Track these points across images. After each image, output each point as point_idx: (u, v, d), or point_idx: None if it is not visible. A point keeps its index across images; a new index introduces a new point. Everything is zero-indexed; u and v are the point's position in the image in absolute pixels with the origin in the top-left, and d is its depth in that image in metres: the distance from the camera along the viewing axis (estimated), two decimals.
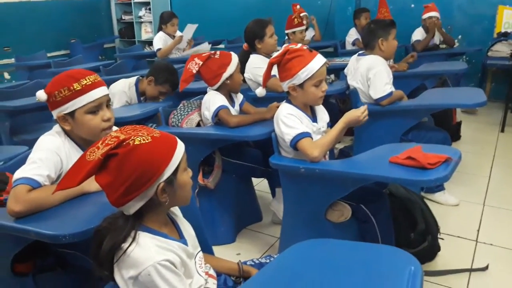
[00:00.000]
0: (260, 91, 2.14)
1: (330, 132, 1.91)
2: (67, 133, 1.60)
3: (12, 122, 3.21)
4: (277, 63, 1.93)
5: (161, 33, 5.02)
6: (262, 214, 2.82)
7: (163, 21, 5.03)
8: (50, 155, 1.51)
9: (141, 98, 2.97)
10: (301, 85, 1.88)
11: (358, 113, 1.90)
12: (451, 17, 5.41)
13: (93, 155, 1.05)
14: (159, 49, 4.90)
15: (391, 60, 3.78)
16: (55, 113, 1.57)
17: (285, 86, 1.93)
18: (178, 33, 5.15)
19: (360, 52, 2.96)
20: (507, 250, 2.36)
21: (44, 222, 1.38)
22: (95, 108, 1.55)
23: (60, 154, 1.54)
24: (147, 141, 1.07)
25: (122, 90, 2.92)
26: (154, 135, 1.10)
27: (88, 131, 1.57)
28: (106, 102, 1.59)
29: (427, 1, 4.94)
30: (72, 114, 1.54)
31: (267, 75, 2.04)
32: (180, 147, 1.14)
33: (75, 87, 1.51)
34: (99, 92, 1.56)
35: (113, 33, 7.98)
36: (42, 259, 1.68)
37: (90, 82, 1.54)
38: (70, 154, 1.57)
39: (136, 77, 3.00)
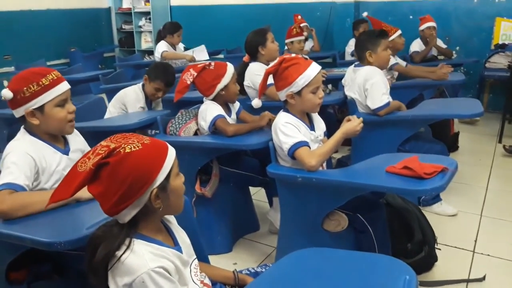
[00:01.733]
0: (256, 103, 2.15)
1: (328, 142, 1.92)
2: (31, 132, 1.66)
3: (11, 129, 3.21)
4: (273, 73, 1.94)
5: (164, 42, 5.01)
6: (259, 224, 2.81)
7: (168, 31, 5.02)
8: (22, 157, 1.55)
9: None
10: (299, 93, 1.89)
11: (354, 124, 1.92)
12: (449, 28, 5.45)
13: (84, 166, 1.04)
14: (164, 51, 4.90)
15: (405, 63, 3.78)
16: (21, 110, 1.61)
17: (282, 94, 1.94)
18: (181, 46, 5.16)
19: (356, 63, 2.98)
20: (504, 260, 2.35)
21: (39, 229, 1.38)
22: (63, 102, 1.64)
23: (31, 154, 1.58)
24: (137, 149, 1.07)
25: (135, 98, 2.96)
26: (145, 142, 1.10)
27: (56, 123, 1.65)
28: (69, 95, 1.68)
29: (425, 12, 4.99)
30: (41, 108, 1.60)
31: (264, 85, 2.05)
32: (171, 152, 1.14)
33: (44, 82, 1.59)
34: (65, 86, 1.65)
35: (113, 42, 8.02)
36: (38, 266, 1.67)
37: (56, 77, 1.62)
38: (40, 151, 1.61)
39: (141, 83, 3.05)
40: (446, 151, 2.86)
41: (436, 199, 2.86)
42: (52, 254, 1.61)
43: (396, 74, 3.69)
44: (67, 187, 1.07)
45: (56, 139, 1.71)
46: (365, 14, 3.83)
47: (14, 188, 1.48)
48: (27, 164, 1.55)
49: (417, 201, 2.84)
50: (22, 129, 1.68)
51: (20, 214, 1.45)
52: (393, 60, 3.57)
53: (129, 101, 2.95)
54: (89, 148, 1.79)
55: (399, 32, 3.64)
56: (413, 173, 1.64)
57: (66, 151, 1.71)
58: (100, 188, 1.06)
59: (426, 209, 2.84)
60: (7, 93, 1.58)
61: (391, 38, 3.53)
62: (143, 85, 3.02)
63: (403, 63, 3.81)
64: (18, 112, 1.63)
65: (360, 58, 2.86)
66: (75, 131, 1.84)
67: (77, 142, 1.80)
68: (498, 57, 4.90)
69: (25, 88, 1.57)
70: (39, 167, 1.59)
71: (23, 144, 1.61)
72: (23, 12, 6.43)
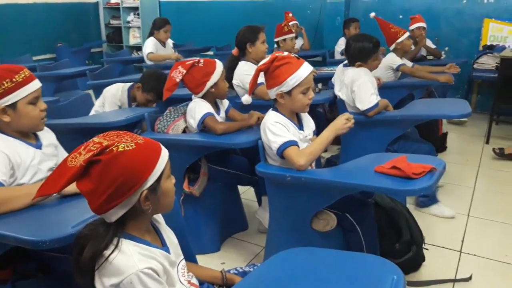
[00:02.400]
0: (246, 99, 2.14)
1: (317, 141, 1.91)
2: (1, 131, 1.62)
3: None
4: (265, 71, 1.93)
5: (152, 39, 4.97)
6: (248, 223, 2.80)
7: (156, 27, 4.98)
8: None
9: (132, 104, 2.95)
10: (289, 92, 1.88)
11: (342, 121, 1.92)
12: (438, 29, 5.48)
13: (75, 161, 1.02)
14: (150, 53, 4.86)
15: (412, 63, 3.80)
16: None
17: (272, 93, 1.93)
18: (170, 42, 5.11)
19: (345, 62, 2.98)
20: (491, 260, 2.37)
21: (23, 228, 1.35)
22: (35, 99, 1.63)
23: (3, 150, 1.55)
24: (131, 148, 1.05)
25: (113, 94, 2.90)
26: (138, 141, 1.08)
27: (29, 121, 1.64)
28: (40, 93, 1.67)
29: (415, 12, 5.01)
30: (13, 105, 1.58)
31: (254, 82, 2.03)
32: (164, 154, 1.13)
33: (17, 78, 1.57)
34: (37, 83, 1.64)
35: (100, 37, 7.94)
36: (23, 265, 1.64)
37: (28, 74, 1.61)
38: (13, 147, 1.59)
39: (131, 83, 2.99)
40: (434, 151, 2.88)
41: (433, 200, 2.87)
42: (37, 252, 1.58)
43: (399, 74, 3.70)
44: (55, 181, 1.05)
45: (27, 135, 1.69)
46: (372, 14, 3.79)
47: None
48: (1, 160, 1.52)
49: (415, 202, 2.86)
50: None
51: (2, 209, 1.42)
52: (399, 61, 3.59)
53: (108, 97, 2.90)
54: (58, 144, 1.79)
55: (408, 34, 3.65)
56: (402, 173, 1.64)
57: (38, 146, 1.69)
58: (89, 185, 1.04)
59: (423, 210, 2.87)
60: None
61: (399, 40, 3.55)
62: (130, 87, 2.94)
63: (410, 64, 3.83)
64: None
65: (349, 62, 2.87)
66: (45, 127, 1.81)
67: (47, 138, 1.77)
68: (486, 58, 4.94)
69: None
70: (14, 162, 1.56)
71: None
72: (9, 6, 6.32)
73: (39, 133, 1.74)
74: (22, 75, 1.59)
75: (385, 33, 3.64)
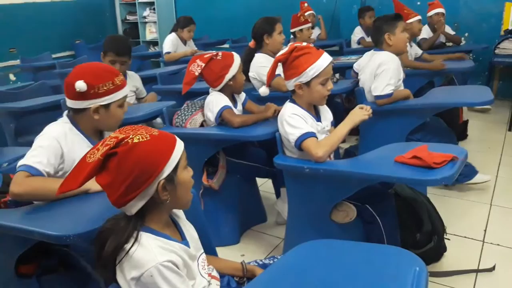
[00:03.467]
0: (263, 90, 2.13)
1: (335, 132, 1.90)
2: (74, 121, 1.68)
3: (17, 123, 3.21)
4: (283, 61, 1.91)
5: (173, 36, 4.95)
6: (266, 215, 2.81)
7: (180, 25, 4.95)
8: (50, 142, 1.58)
9: None
10: (307, 83, 1.87)
11: (359, 111, 1.92)
12: (458, 15, 5.37)
13: (93, 157, 1.05)
14: (167, 53, 4.85)
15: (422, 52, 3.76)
16: (86, 103, 1.62)
17: (291, 84, 1.91)
18: (192, 43, 5.09)
19: (376, 48, 2.92)
20: None
21: (48, 223, 1.38)
22: (123, 102, 1.71)
23: (60, 142, 1.60)
24: (145, 139, 1.07)
25: None
26: (153, 133, 1.10)
27: (114, 122, 1.71)
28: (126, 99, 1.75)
29: None
30: (107, 106, 1.66)
31: (272, 73, 2.02)
32: (179, 145, 1.14)
33: (117, 82, 1.65)
34: (127, 88, 1.76)
35: (117, 33, 7.98)
36: (46, 260, 1.68)
37: (123, 79, 1.70)
38: (73, 142, 1.64)
39: None
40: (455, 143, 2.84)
41: (473, 172, 2.92)
42: (58, 249, 1.61)
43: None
44: (75, 177, 1.07)
45: (94, 134, 1.73)
46: None
47: (31, 171, 1.51)
48: (53, 150, 1.57)
49: (425, 188, 2.82)
50: (64, 116, 1.70)
51: (32, 198, 1.50)
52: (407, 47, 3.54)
53: None
54: None
55: (419, 17, 3.60)
56: (423, 162, 1.62)
57: None
58: (107, 178, 1.06)
59: (467, 182, 2.92)
60: (82, 85, 1.58)
61: (409, 21, 3.50)
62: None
63: (419, 51, 3.77)
64: (80, 104, 1.64)
65: (377, 42, 2.80)
66: None
67: None
68: (508, 43, 4.81)
69: (101, 85, 1.61)
70: (66, 156, 1.60)
71: (57, 130, 1.63)
72: (28, 5, 6.41)
73: (105, 133, 1.78)
74: (120, 78, 1.67)
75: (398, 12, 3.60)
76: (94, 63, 1.71)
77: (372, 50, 2.95)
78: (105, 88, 1.62)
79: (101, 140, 1.68)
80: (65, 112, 1.72)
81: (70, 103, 1.65)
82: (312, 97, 1.91)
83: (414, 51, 3.91)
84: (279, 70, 2.04)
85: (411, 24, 3.55)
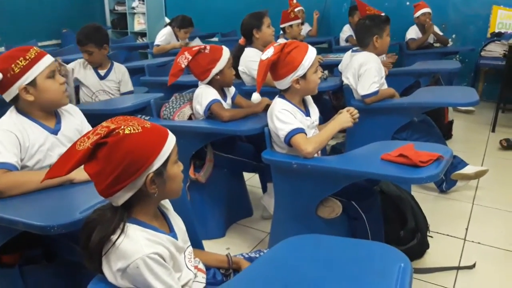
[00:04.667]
0: (256, 97, 2.05)
1: (325, 131, 1.93)
2: (22, 111, 1.65)
3: (2, 112, 3.16)
4: (275, 61, 1.87)
5: (169, 30, 4.89)
6: (252, 209, 2.82)
7: (178, 24, 4.85)
8: (4, 135, 1.56)
9: (99, 71, 2.94)
10: (303, 76, 1.88)
11: (347, 115, 1.96)
12: (446, 16, 5.42)
13: (83, 145, 1.03)
14: (156, 45, 4.81)
15: (384, 56, 3.78)
16: (14, 89, 1.59)
17: (287, 81, 1.90)
18: (184, 42, 5.04)
19: (354, 48, 2.96)
20: (495, 248, 2.38)
21: (32, 213, 1.37)
22: (52, 73, 1.64)
23: (13, 131, 1.58)
24: (137, 131, 1.06)
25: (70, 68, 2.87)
26: (145, 126, 1.09)
27: (52, 95, 1.65)
28: (56, 68, 1.69)
29: None
30: (33, 82, 1.60)
31: (264, 77, 1.92)
32: (171, 139, 1.13)
33: (29, 56, 1.59)
34: (50, 58, 1.65)
35: (105, 23, 7.88)
36: (29, 250, 1.66)
37: (39, 51, 1.62)
38: (25, 129, 1.62)
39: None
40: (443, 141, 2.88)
41: (462, 163, 2.93)
42: (43, 239, 1.60)
43: None
44: (64, 164, 1.05)
45: (47, 118, 1.69)
46: None
47: (6, 167, 1.50)
48: (11, 141, 1.56)
49: (410, 186, 2.86)
50: (11, 108, 1.67)
51: (15, 192, 1.47)
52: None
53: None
54: (87, 128, 1.79)
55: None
56: (409, 161, 1.64)
57: (55, 131, 1.69)
58: (96, 167, 1.05)
59: (458, 172, 2.91)
60: None
61: None
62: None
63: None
64: (10, 93, 1.61)
65: (362, 43, 2.83)
66: (75, 108, 1.84)
67: (71, 121, 1.78)
68: (494, 46, 4.89)
69: (13, 65, 1.56)
70: (22, 144, 1.58)
71: (6, 122, 1.61)
72: None
73: (62, 117, 1.75)
74: (34, 52, 1.60)
75: (361, 13, 3.62)
76: (8, 50, 1.65)
77: (349, 52, 2.98)
78: (19, 66, 1.56)
79: (57, 119, 1.71)
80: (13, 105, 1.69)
81: (4, 97, 1.63)
82: (309, 88, 1.93)
83: None
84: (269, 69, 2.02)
85: None
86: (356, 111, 1.98)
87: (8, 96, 1.62)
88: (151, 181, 1.09)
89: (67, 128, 1.74)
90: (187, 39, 4.97)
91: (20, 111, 1.65)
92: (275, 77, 1.94)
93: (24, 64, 1.57)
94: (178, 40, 4.92)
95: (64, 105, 1.74)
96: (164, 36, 4.85)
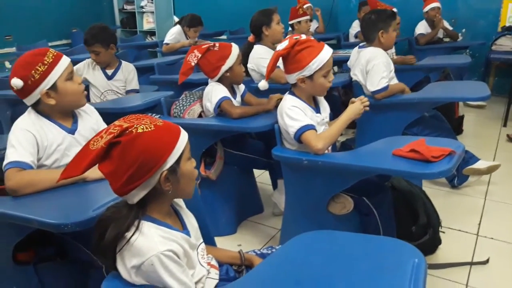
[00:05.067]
0: (263, 84, 2.11)
1: (334, 126, 1.91)
2: (40, 112, 1.67)
3: (13, 111, 3.20)
4: (285, 55, 1.90)
5: (179, 29, 4.91)
6: (263, 206, 2.82)
7: (187, 23, 4.87)
8: (22, 134, 1.58)
9: (107, 71, 2.96)
10: (310, 77, 1.87)
11: (359, 104, 1.94)
12: (456, 10, 5.37)
13: (97, 144, 1.04)
14: (166, 44, 4.82)
15: (394, 52, 3.76)
16: (36, 94, 1.61)
17: (293, 78, 1.90)
18: (194, 41, 5.05)
19: (360, 44, 2.95)
20: (508, 244, 2.36)
21: (46, 211, 1.38)
22: (70, 75, 1.66)
23: (31, 131, 1.60)
24: (150, 130, 1.07)
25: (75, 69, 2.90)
26: (157, 124, 1.10)
27: (72, 97, 1.68)
28: (73, 68, 1.70)
29: None
30: (54, 87, 1.61)
31: (273, 67, 1.98)
32: (183, 136, 1.14)
33: (47, 60, 1.59)
34: (67, 59, 1.66)
35: (114, 23, 7.93)
36: (43, 248, 1.68)
37: (55, 53, 1.63)
38: (43, 129, 1.64)
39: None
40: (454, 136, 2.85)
41: (474, 158, 2.91)
42: (56, 237, 1.61)
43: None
44: (78, 164, 1.06)
45: (65, 118, 1.71)
46: None
47: (21, 166, 1.52)
48: (29, 141, 1.58)
49: (421, 181, 2.84)
50: (29, 108, 1.68)
51: (28, 191, 1.49)
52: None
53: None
54: (103, 126, 1.80)
55: (395, 10, 3.60)
56: (420, 156, 1.63)
57: (72, 130, 1.71)
58: (110, 167, 1.06)
59: (469, 168, 2.89)
60: (17, 82, 1.57)
61: None
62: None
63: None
64: (32, 98, 1.63)
65: (368, 38, 2.82)
66: (91, 108, 1.86)
67: (88, 121, 1.79)
68: (504, 40, 4.83)
69: (33, 71, 1.57)
70: (40, 144, 1.60)
71: (24, 122, 1.63)
72: None
73: (79, 116, 1.77)
74: (51, 55, 1.61)
75: (371, 8, 3.60)
76: (23, 55, 1.65)
77: (356, 48, 2.97)
78: (38, 72, 1.57)
79: (74, 119, 1.73)
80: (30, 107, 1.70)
81: (26, 101, 1.65)
82: (315, 90, 1.92)
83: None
84: (278, 62, 2.03)
85: None
86: (366, 99, 1.97)
87: (29, 101, 1.64)
88: (165, 179, 1.09)
89: (84, 128, 1.75)
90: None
91: (39, 112, 1.67)
92: (285, 70, 1.95)
93: (44, 69, 1.58)
94: (187, 38, 4.93)
95: (83, 105, 1.76)
96: (173, 35, 4.86)
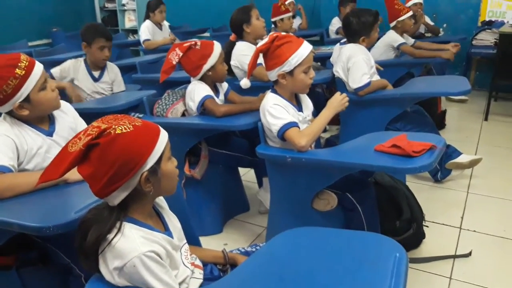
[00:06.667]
0: (245, 83, 2.11)
1: (316, 121, 1.92)
2: (17, 116, 1.62)
3: None
4: (265, 51, 1.91)
5: (148, 23, 4.89)
6: (249, 204, 2.82)
7: (151, 9, 4.90)
8: (2, 139, 1.54)
9: (93, 73, 2.92)
10: (290, 72, 1.87)
11: (339, 98, 1.95)
12: (436, 5, 5.43)
13: (75, 146, 1.03)
14: (146, 40, 4.80)
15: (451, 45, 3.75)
16: (7, 106, 1.57)
17: (274, 74, 1.91)
18: (166, 24, 5.05)
19: (342, 41, 2.97)
20: (490, 236, 2.40)
21: (27, 214, 1.36)
22: (44, 84, 1.60)
23: (9, 135, 1.56)
24: (128, 130, 1.06)
25: (63, 68, 2.87)
26: (136, 124, 1.09)
27: (47, 106, 1.64)
28: (45, 74, 1.63)
29: None
30: (27, 99, 1.57)
31: (254, 64, 1.99)
32: (163, 135, 1.13)
33: (19, 72, 1.53)
34: (40, 67, 1.59)
35: (96, 21, 7.83)
36: (25, 253, 1.66)
37: (27, 63, 1.55)
38: (21, 133, 1.60)
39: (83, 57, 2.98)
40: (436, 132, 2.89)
41: (456, 152, 2.94)
42: (38, 242, 1.59)
43: (400, 52, 3.68)
44: (57, 167, 1.05)
45: (41, 121, 1.68)
46: None
47: (0, 170, 1.48)
48: (8, 145, 1.54)
49: (404, 176, 2.87)
50: (3, 114, 1.64)
51: (8, 194, 1.45)
52: (400, 39, 3.57)
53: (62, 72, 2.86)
54: (81, 125, 1.78)
55: (411, 13, 3.61)
56: (402, 151, 1.64)
57: (49, 133, 1.68)
58: (89, 169, 1.05)
59: (452, 162, 2.92)
60: None
61: (401, 19, 3.53)
62: (84, 58, 2.93)
63: (411, 41, 3.79)
64: (4, 109, 1.59)
65: (352, 38, 2.84)
66: (67, 106, 1.82)
67: (65, 120, 1.76)
68: (485, 34, 4.91)
69: (4, 86, 1.51)
70: (20, 149, 1.57)
71: (3, 127, 1.59)
72: None
73: (55, 117, 1.73)
74: (23, 66, 1.53)
75: (389, 8, 3.61)
76: None
77: (338, 44, 2.99)
78: (10, 86, 1.51)
79: (51, 121, 1.70)
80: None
81: None
82: (296, 86, 1.92)
83: (408, 41, 3.93)
84: (260, 59, 2.03)
85: (403, 21, 3.56)
86: (345, 94, 1.98)
87: (2, 110, 1.60)
88: (145, 180, 1.09)
89: (62, 128, 1.73)
90: (175, 35, 4.98)
91: (14, 117, 1.63)
92: (266, 67, 1.95)
93: (16, 83, 1.52)
94: (160, 28, 4.93)
95: (58, 108, 1.72)
96: (147, 29, 4.85)
